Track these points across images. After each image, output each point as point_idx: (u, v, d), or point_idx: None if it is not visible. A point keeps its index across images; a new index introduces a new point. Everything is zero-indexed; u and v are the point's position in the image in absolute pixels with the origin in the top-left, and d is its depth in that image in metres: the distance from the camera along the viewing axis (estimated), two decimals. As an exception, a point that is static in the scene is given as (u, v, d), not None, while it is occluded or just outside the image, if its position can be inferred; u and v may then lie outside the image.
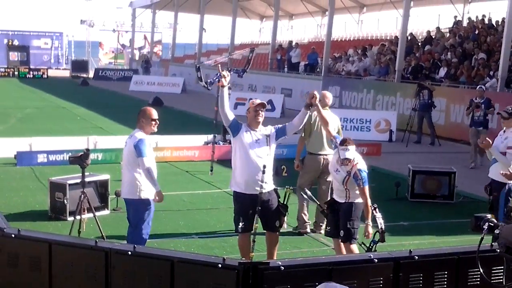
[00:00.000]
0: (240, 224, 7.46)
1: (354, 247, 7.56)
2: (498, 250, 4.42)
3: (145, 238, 7.37)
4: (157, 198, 7.38)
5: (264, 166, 7.37)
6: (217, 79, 7.64)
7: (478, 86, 15.42)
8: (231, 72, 7.93)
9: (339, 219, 7.57)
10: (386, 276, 5.15)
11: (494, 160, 8.21)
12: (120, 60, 61.18)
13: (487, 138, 8.21)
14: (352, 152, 7.30)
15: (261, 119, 7.50)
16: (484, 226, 4.50)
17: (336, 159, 7.54)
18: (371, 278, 5.08)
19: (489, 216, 4.58)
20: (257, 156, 7.39)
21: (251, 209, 7.40)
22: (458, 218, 10.65)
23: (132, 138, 7.39)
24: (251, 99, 8.15)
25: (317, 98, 7.53)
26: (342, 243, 7.56)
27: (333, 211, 7.66)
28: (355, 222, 7.53)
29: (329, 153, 9.20)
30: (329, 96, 9.39)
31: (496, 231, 4.43)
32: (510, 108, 8.65)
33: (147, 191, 7.34)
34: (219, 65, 7.76)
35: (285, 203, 7.66)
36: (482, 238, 4.52)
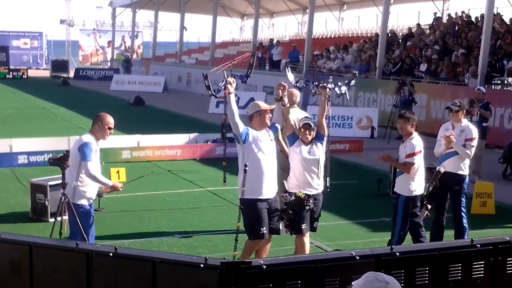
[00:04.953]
0: (262, 229, 7.26)
1: None
2: None
3: None
4: (110, 190, 7.46)
5: (275, 168, 7.45)
6: (223, 86, 7.58)
7: (476, 88, 15.11)
8: (235, 78, 7.83)
9: (309, 213, 7.61)
10: (367, 273, 5.16)
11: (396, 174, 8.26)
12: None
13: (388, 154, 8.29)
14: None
15: (269, 122, 7.55)
16: None
17: (303, 151, 7.59)
18: (353, 276, 5.08)
19: None
20: (269, 158, 7.36)
21: (267, 212, 7.33)
22: (440, 213, 10.72)
23: (78, 140, 7.29)
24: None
25: (285, 87, 7.66)
26: (305, 236, 7.64)
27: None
28: None
29: None
30: (297, 94, 9.31)
31: None
32: (458, 102, 8.93)
33: (85, 197, 7.20)
34: (224, 72, 7.69)
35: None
36: None
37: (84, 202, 7.21)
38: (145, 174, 8.14)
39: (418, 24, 29.64)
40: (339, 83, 8.27)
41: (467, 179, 8.81)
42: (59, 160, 7.12)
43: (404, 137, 8.08)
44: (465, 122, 8.91)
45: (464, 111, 8.98)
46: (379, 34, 26.77)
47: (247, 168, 7.23)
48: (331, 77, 8.43)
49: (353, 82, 8.83)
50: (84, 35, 60.97)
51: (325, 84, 7.87)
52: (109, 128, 7.32)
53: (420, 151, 7.88)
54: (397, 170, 8.25)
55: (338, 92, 8.21)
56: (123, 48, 57.52)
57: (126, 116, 24.19)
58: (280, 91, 7.69)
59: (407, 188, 7.94)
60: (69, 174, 7.17)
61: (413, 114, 8.22)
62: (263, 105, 7.55)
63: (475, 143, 8.77)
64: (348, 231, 9.90)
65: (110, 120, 7.37)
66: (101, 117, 7.38)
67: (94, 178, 7.13)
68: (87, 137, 7.24)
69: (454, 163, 8.69)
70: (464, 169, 8.74)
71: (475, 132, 8.81)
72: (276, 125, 7.70)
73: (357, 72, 9.95)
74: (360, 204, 11.48)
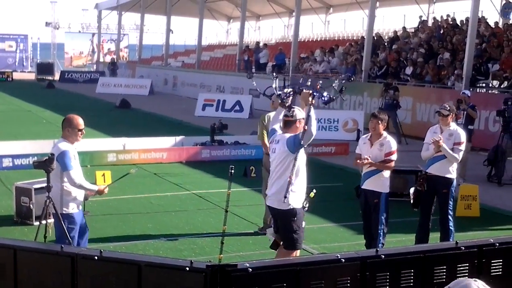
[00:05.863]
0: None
1: None
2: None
3: None
4: (98, 193, 7.29)
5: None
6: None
7: (461, 92, 15.18)
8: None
9: None
10: (353, 275, 5.17)
11: (366, 174, 8.39)
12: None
13: (366, 157, 8.25)
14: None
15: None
16: None
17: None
18: (338, 278, 5.10)
19: None
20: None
21: None
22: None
23: (55, 149, 7.06)
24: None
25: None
26: None
27: None
28: None
29: None
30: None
31: None
32: (448, 106, 9.03)
33: (74, 203, 7.08)
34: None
35: None
36: None
37: (73, 210, 7.10)
38: (129, 171, 8.04)
39: (404, 27, 29.80)
40: (326, 90, 8.16)
41: (454, 182, 8.85)
42: (44, 163, 7.06)
43: (373, 137, 8.32)
44: (453, 126, 8.93)
45: (453, 114, 9.03)
46: (365, 37, 26.87)
47: (232, 170, 7.23)
48: (313, 82, 8.19)
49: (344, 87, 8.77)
50: (86, 37, 60.76)
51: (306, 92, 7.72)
52: (79, 130, 7.11)
53: (397, 149, 8.34)
54: (367, 170, 8.36)
55: (324, 98, 8.09)
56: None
57: (112, 119, 24.13)
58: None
59: (386, 185, 8.28)
60: (54, 185, 7.04)
61: (384, 115, 8.65)
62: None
63: (463, 147, 8.81)
64: (334, 234, 9.93)
65: (78, 121, 7.12)
66: (69, 121, 7.13)
67: (80, 187, 7.04)
68: (63, 145, 7.03)
69: (442, 167, 8.73)
70: (452, 172, 8.77)
71: (463, 136, 8.85)
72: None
73: (349, 76, 9.95)
74: (346, 207, 11.48)
